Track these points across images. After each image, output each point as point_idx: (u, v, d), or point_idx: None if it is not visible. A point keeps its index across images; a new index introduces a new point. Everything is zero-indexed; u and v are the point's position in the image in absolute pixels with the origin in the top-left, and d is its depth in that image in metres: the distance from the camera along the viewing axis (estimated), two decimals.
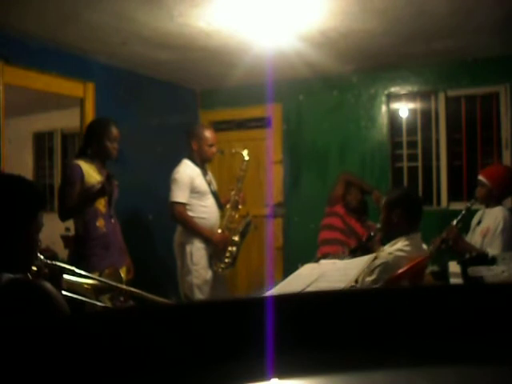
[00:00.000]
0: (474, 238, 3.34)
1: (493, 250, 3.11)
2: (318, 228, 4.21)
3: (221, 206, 3.88)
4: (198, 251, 3.75)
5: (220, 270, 3.80)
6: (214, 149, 3.87)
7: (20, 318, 1.26)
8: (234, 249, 3.82)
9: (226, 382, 0.69)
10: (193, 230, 3.76)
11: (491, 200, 3.34)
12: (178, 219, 3.78)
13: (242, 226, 3.88)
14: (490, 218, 3.29)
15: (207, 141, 3.83)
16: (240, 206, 3.87)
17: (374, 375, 0.72)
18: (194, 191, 3.77)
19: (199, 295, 3.72)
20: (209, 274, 3.78)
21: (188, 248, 3.76)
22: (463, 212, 3.37)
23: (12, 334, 0.70)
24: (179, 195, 3.73)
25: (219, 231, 3.81)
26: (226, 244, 3.79)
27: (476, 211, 3.45)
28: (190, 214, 3.77)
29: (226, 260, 3.80)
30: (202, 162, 3.89)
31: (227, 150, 4.04)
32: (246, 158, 3.92)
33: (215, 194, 3.89)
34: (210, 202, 3.82)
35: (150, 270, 4.28)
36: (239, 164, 3.97)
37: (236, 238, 3.83)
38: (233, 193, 3.86)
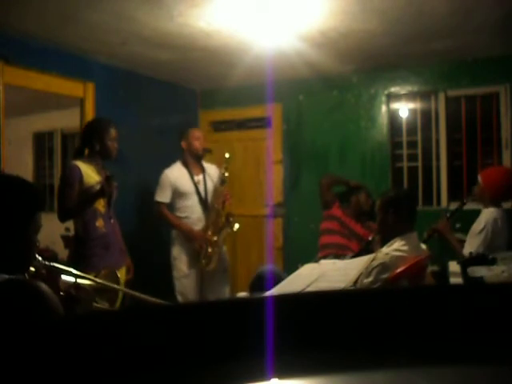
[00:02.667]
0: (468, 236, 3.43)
1: (468, 248, 3.22)
2: (318, 228, 4.21)
3: (206, 206, 4.01)
4: (177, 247, 4.04)
5: (202, 266, 3.97)
6: (201, 142, 4.06)
7: (14, 317, 1.26)
8: (212, 249, 3.94)
9: (226, 382, 0.69)
10: (172, 225, 4.05)
11: (485, 200, 3.38)
12: (157, 216, 4.08)
13: (221, 228, 3.99)
14: (479, 218, 3.35)
15: (193, 135, 4.06)
16: (217, 207, 3.97)
17: (374, 375, 0.72)
18: (176, 191, 4.00)
19: (179, 287, 4.03)
20: (191, 269, 4.01)
21: (171, 245, 4.07)
22: (457, 207, 3.56)
23: (5, 334, 0.70)
24: (159, 195, 4.03)
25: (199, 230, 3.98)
26: (204, 242, 3.92)
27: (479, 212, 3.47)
28: (174, 213, 4.03)
29: (205, 258, 3.95)
30: (196, 160, 4.08)
31: (214, 149, 4.20)
32: (227, 155, 3.97)
33: (201, 195, 4.02)
34: (192, 202, 4.01)
35: (150, 270, 4.28)
36: (232, 165, 4.07)
37: (215, 239, 3.95)
38: (217, 193, 4.00)
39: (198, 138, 4.07)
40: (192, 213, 3.99)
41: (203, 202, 4.01)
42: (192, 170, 4.05)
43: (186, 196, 3.99)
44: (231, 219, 3.96)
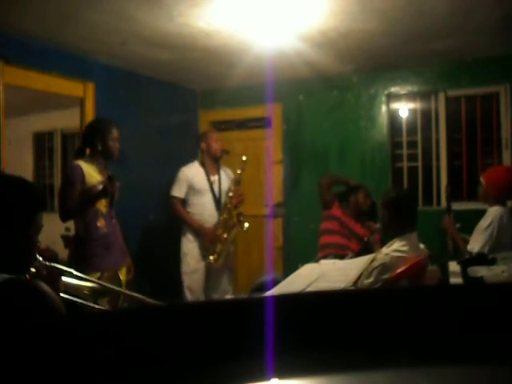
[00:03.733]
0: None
1: (473, 245, 3.24)
2: (318, 228, 4.21)
3: (219, 204, 4.13)
4: (188, 242, 4.14)
5: (209, 262, 4.06)
6: (219, 145, 4.20)
7: (15, 317, 1.26)
8: (221, 245, 4.05)
9: (226, 382, 0.69)
10: (183, 221, 4.16)
11: (489, 200, 3.39)
12: (171, 210, 4.20)
13: (231, 226, 4.11)
14: (486, 215, 3.36)
15: (213, 137, 4.21)
16: (230, 206, 4.08)
17: (374, 375, 0.72)
18: (192, 188, 4.14)
19: (187, 282, 4.12)
20: (199, 264, 4.09)
21: (181, 239, 4.16)
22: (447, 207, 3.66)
23: (6, 334, 0.70)
24: (175, 190, 4.16)
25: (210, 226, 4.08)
26: (214, 239, 4.03)
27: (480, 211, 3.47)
28: (187, 208, 4.16)
29: (214, 254, 4.05)
30: (213, 161, 4.22)
31: (231, 150, 4.31)
32: (244, 158, 4.10)
33: (215, 193, 4.15)
34: (205, 200, 4.13)
35: (150, 269, 4.28)
36: (238, 166, 4.13)
37: (225, 236, 4.07)
38: (230, 194, 4.09)
39: (216, 140, 4.23)
40: (205, 210, 4.11)
41: (217, 200, 4.14)
42: (209, 170, 4.20)
43: (200, 193, 4.12)
44: (242, 218, 4.08)
